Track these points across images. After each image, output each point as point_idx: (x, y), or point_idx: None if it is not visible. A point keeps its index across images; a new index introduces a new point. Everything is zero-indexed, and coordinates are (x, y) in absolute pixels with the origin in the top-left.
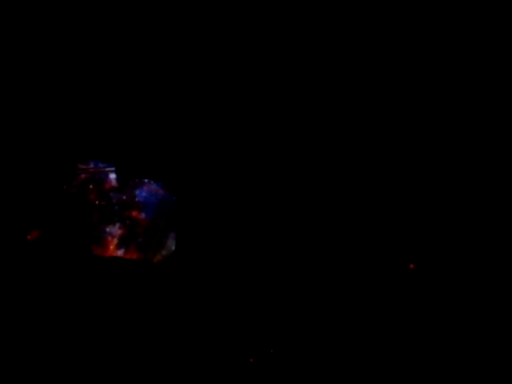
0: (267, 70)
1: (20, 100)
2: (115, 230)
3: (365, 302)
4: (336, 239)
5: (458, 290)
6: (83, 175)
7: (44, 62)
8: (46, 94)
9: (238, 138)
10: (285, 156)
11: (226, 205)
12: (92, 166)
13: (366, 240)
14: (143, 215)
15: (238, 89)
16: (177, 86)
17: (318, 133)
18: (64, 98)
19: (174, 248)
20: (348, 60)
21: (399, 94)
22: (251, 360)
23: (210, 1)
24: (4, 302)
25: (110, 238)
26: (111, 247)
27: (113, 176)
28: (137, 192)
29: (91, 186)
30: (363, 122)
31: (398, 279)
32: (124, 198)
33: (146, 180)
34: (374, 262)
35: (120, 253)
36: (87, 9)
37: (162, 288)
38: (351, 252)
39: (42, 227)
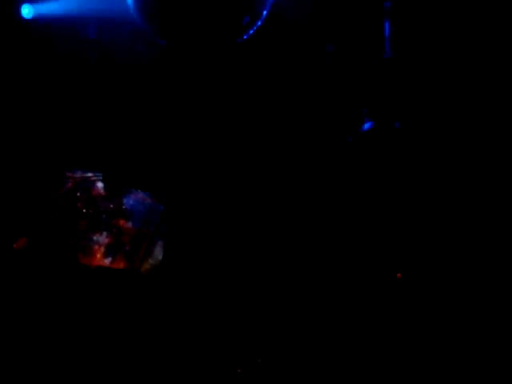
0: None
1: (5, 107)
2: (102, 238)
3: (362, 304)
4: (333, 247)
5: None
6: (70, 183)
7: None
8: (32, 101)
9: (226, 146)
10: (275, 168)
11: (214, 213)
12: (79, 174)
13: (364, 241)
14: (130, 224)
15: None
16: (164, 94)
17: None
18: (50, 105)
19: (161, 257)
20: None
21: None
22: (239, 371)
23: None
24: None
25: (96, 247)
26: (98, 256)
27: (100, 184)
28: (124, 200)
29: (78, 194)
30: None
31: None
32: (111, 206)
33: (134, 189)
34: (371, 265)
35: (107, 261)
36: None
37: (150, 298)
38: (349, 254)
39: (28, 235)
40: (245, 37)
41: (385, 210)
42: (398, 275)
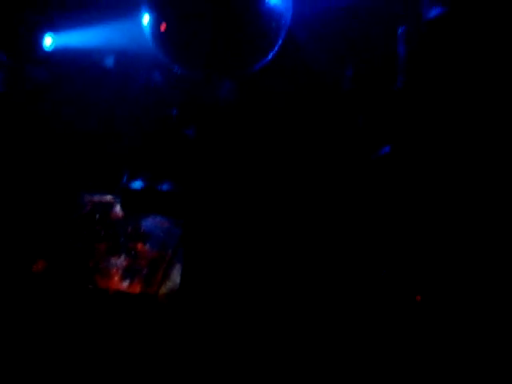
0: None
1: (24, 130)
2: (120, 261)
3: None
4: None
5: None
6: (89, 206)
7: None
8: (52, 127)
9: (243, 168)
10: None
11: (231, 237)
12: (97, 197)
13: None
14: (148, 247)
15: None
16: (180, 121)
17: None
18: (70, 130)
19: (179, 280)
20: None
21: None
22: None
23: None
24: (8, 333)
25: (114, 270)
26: (116, 278)
27: (118, 207)
28: (142, 223)
29: (97, 217)
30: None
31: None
32: (129, 229)
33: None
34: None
35: (125, 284)
36: None
37: (167, 324)
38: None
39: (46, 258)
40: (262, 63)
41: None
42: (418, 298)
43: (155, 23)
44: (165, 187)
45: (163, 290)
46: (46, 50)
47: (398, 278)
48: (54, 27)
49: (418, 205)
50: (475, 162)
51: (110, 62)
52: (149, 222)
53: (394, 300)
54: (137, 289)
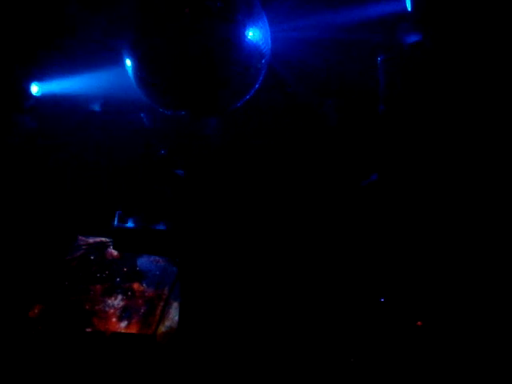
0: None
1: (19, 178)
2: (117, 301)
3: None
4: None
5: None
6: (84, 248)
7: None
8: (45, 172)
9: (237, 205)
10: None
11: (228, 275)
12: (92, 238)
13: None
14: (145, 286)
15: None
16: (170, 162)
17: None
18: (63, 174)
19: (177, 319)
20: None
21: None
22: None
23: None
24: (7, 378)
25: (112, 311)
26: (113, 319)
27: (112, 248)
28: (138, 262)
29: (92, 258)
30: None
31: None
32: (125, 269)
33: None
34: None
35: (123, 325)
36: None
37: (166, 365)
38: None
39: (43, 302)
40: (244, 101)
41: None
42: (419, 323)
43: (136, 67)
44: (158, 226)
45: (161, 329)
46: (33, 97)
47: (397, 304)
48: (40, 76)
49: (413, 227)
50: (458, 184)
51: (96, 106)
52: (144, 261)
53: (394, 326)
54: (135, 329)
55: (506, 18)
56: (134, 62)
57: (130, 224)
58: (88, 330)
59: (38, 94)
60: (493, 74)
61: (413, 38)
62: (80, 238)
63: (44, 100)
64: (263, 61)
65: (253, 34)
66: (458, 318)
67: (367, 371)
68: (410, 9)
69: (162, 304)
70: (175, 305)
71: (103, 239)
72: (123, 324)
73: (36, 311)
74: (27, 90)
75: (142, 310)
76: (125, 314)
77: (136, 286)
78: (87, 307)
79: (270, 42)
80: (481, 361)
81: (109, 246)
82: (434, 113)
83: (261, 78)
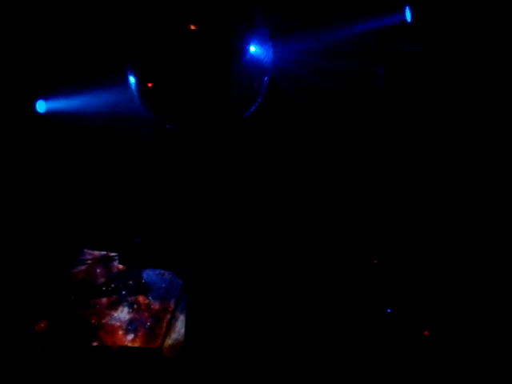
0: None
1: (25, 188)
2: (123, 315)
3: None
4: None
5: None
6: (90, 261)
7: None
8: (54, 184)
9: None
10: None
11: (234, 286)
12: (98, 252)
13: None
14: (151, 299)
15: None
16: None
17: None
18: (70, 189)
19: (183, 330)
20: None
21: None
22: None
23: None
24: None
25: (118, 324)
26: (120, 333)
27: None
28: (143, 275)
29: (98, 271)
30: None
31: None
32: (131, 282)
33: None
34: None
35: (129, 338)
36: None
37: (173, 378)
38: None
39: (49, 317)
40: (246, 115)
41: None
42: (426, 333)
43: (140, 83)
44: (163, 240)
45: (168, 342)
46: (39, 114)
47: (403, 315)
48: (45, 93)
49: (418, 234)
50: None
51: (100, 122)
52: (150, 274)
53: (400, 337)
54: (141, 342)
55: (504, 29)
56: (136, 78)
57: (136, 238)
58: (94, 344)
59: (42, 111)
60: (490, 83)
61: (413, 48)
62: (86, 251)
63: (49, 117)
64: (266, 78)
65: (255, 49)
66: (464, 328)
67: (374, 380)
68: (409, 20)
69: (168, 317)
70: (181, 318)
71: (109, 253)
72: (129, 337)
73: (42, 325)
74: (32, 106)
75: (149, 323)
76: (131, 327)
77: (142, 299)
78: (93, 321)
79: (272, 57)
80: (487, 370)
81: (114, 260)
82: (433, 120)
83: (262, 92)
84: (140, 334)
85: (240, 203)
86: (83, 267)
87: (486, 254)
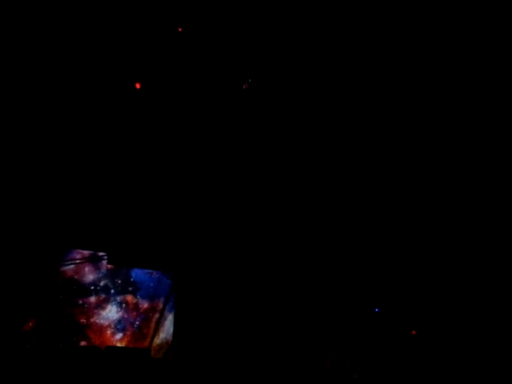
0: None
1: (13, 187)
2: (112, 314)
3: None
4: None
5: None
6: (79, 260)
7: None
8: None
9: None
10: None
11: (223, 287)
12: (87, 251)
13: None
14: (139, 298)
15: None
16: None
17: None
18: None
19: (172, 329)
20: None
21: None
22: None
23: None
24: None
25: (106, 323)
26: (108, 332)
27: (107, 261)
28: (132, 274)
29: (86, 270)
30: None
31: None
32: (119, 281)
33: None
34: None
35: (117, 338)
36: None
37: (162, 377)
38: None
39: (37, 316)
40: None
41: None
42: (413, 332)
43: None
44: (152, 241)
45: (156, 341)
46: None
47: (391, 314)
48: None
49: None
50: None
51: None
52: (138, 273)
53: (388, 336)
54: (129, 342)
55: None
56: None
57: (126, 238)
58: (83, 343)
59: None
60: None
61: None
62: (75, 251)
63: None
64: None
65: None
66: (452, 327)
67: (364, 379)
68: None
69: (156, 316)
70: (170, 317)
71: (98, 252)
72: (118, 336)
73: (30, 324)
74: None
75: (137, 323)
76: (119, 326)
77: (130, 298)
78: (81, 320)
79: None
80: (476, 368)
81: (103, 259)
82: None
83: None
84: (128, 333)
85: (228, 205)
86: (72, 266)
87: (476, 253)
